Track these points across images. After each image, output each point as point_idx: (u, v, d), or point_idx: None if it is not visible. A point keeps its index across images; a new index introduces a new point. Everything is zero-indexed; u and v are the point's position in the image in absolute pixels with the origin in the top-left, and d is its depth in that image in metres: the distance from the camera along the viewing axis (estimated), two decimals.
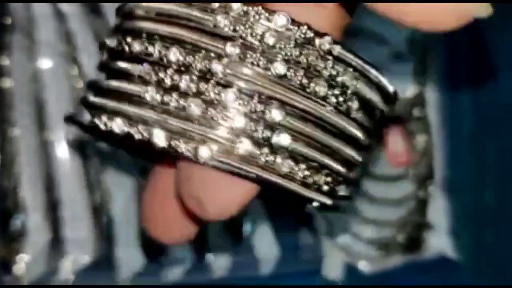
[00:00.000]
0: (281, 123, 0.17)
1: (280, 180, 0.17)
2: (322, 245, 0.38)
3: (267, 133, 0.17)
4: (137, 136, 0.17)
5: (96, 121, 0.18)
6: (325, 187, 0.18)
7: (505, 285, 0.38)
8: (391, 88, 0.19)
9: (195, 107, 0.17)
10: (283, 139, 0.17)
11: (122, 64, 0.18)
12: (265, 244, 0.38)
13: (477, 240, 0.40)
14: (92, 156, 0.36)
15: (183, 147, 0.17)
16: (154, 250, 0.36)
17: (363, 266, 0.39)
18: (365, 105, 0.18)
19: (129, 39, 0.18)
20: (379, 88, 0.19)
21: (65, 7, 0.37)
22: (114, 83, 0.18)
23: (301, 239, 0.39)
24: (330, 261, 0.38)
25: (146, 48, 0.18)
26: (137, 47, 0.18)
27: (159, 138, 0.17)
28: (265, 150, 0.17)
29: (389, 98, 0.19)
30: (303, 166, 0.18)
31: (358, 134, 0.19)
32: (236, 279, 0.37)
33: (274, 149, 0.17)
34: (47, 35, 0.36)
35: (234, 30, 0.17)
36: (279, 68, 0.17)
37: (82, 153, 0.36)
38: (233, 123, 0.17)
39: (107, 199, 0.36)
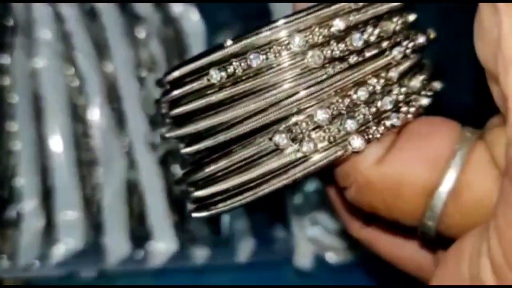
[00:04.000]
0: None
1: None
2: (293, 238, 0.40)
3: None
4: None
5: None
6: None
7: None
8: None
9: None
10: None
11: None
12: (242, 236, 0.40)
13: None
14: (85, 149, 0.38)
15: None
16: (140, 238, 0.38)
17: (330, 257, 0.41)
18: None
19: None
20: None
21: (63, 9, 0.38)
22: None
23: (275, 232, 0.41)
24: (301, 252, 0.40)
25: None
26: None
27: None
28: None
29: None
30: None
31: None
32: (215, 267, 0.39)
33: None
34: (46, 36, 0.38)
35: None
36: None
37: (77, 146, 0.38)
38: None
39: (98, 189, 0.38)
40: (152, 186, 0.38)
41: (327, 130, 0.19)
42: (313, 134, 0.19)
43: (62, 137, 0.37)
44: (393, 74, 0.20)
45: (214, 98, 0.19)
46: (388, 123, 0.20)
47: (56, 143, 0.37)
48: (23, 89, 0.37)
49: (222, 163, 0.20)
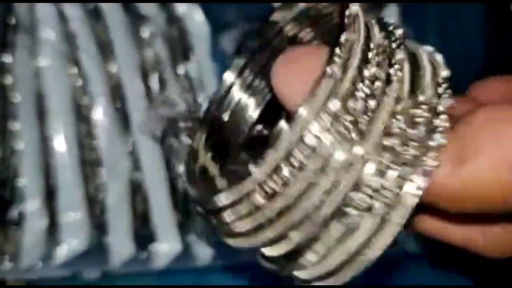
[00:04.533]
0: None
1: None
2: None
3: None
4: None
5: None
6: None
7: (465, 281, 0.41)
8: None
9: None
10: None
11: None
12: None
13: None
14: (89, 149, 0.38)
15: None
16: (144, 239, 0.38)
17: None
18: None
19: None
20: None
21: (67, 9, 0.38)
22: None
23: None
24: None
25: None
26: None
27: None
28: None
29: None
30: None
31: None
32: (217, 266, 0.39)
33: None
34: (49, 36, 0.37)
35: None
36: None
37: (80, 146, 0.37)
38: None
39: (101, 189, 0.38)
40: (156, 187, 0.38)
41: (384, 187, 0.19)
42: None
43: (66, 137, 0.37)
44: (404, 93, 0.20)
45: (268, 212, 0.18)
46: (434, 143, 0.19)
47: (60, 143, 0.37)
48: (27, 89, 0.37)
49: (318, 248, 0.19)
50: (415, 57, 0.20)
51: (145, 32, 0.39)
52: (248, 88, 0.24)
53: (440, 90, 0.20)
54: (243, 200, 0.18)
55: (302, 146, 0.17)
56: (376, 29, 0.19)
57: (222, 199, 0.19)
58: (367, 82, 0.18)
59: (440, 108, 0.19)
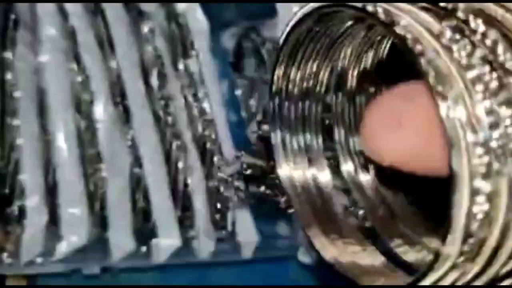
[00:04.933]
0: None
1: (463, 189, 0.15)
2: (297, 234, 0.41)
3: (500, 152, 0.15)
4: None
5: None
6: (466, 248, 0.16)
7: None
8: None
9: None
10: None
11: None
12: (246, 231, 0.39)
13: None
14: (89, 145, 0.38)
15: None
16: (144, 234, 0.38)
17: None
18: None
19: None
20: None
21: (67, 6, 0.38)
22: None
23: (279, 228, 0.41)
24: (305, 247, 0.39)
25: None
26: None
27: None
28: (485, 160, 0.15)
29: None
30: (484, 206, 0.16)
31: None
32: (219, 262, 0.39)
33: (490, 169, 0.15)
34: (50, 32, 0.37)
35: None
36: None
37: (81, 142, 0.37)
38: None
39: (101, 185, 0.37)
40: (156, 182, 0.38)
41: None
42: None
43: (66, 133, 0.37)
44: None
45: None
46: None
47: (60, 139, 0.37)
48: (27, 85, 0.37)
49: None
50: None
51: (145, 29, 0.39)
52: None
53: None
54: None
55: None
56: None
57: None
58: None
59: None
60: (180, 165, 0.39)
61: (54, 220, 0.37)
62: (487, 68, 0.16)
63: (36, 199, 0.36)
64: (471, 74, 0.15)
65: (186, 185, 0.39)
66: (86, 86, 0.38)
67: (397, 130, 0.16)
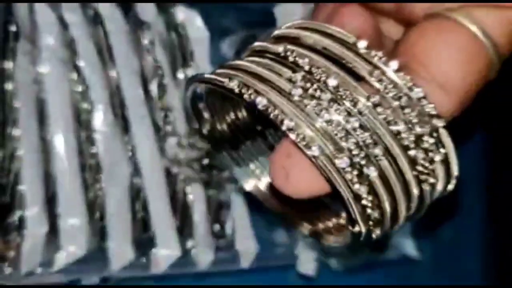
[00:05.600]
0: (377, 160, 0.20)
1: (351, 200, 0.20)
2: (296, 243, 0.41)
3: (364, 161, 0.20)
4: (246, 97, 0.21)
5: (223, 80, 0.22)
6: (371, 222, 0.21)
7: (463, 285, 0.41)
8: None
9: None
10: (372, 171, 0.20)
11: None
12: (245, 241, 0.40)
13: (435, 239, 0.43)
14: (89, 155, 0.38)
15: (296, 132, 0.20)
16: (143, 244, 0.38)
17: (334, 263, 0.41)
18: (433, 185, 0.21)
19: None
20: (449, 175, 0.22)
21: (67, 15, 0.37)
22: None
23: (278, 237, 0.41)
24: (304, 257, 0.40)
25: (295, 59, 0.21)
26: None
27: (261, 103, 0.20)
28: (355, 172, 0.20)
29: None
30: (370, 197, 0.20)
31: (420, 203, 0.22)
32: (218, 271, 0.39)
33: (361, 175, 0.20)
34: (49, 42, 0.37)
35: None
36: (401, 127, 0.20)
37: (80, 152, 0.37)
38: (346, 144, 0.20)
39: (101, 195, 0.37)
40: (155, 192, 0.38)
41: None
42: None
43: (66, 143, 0.37)
44: None
45: None
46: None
47: (60, 149, 0.37)
48: (27, 95, 0.37)
49: None
50: None
51: (145, 38, 0.39)
52: None
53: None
54: None
55: None
56: None
57: None
58: None
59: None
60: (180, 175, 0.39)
61: (53, 230, 0.36)
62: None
63: (35, 209, 0.36)
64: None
65: (185, 195, 0.39)
66: (85, 96, 0.38)
67: (287, 182, 0.21)
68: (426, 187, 0.21)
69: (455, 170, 0.22)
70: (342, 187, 0.20)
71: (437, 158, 0.21)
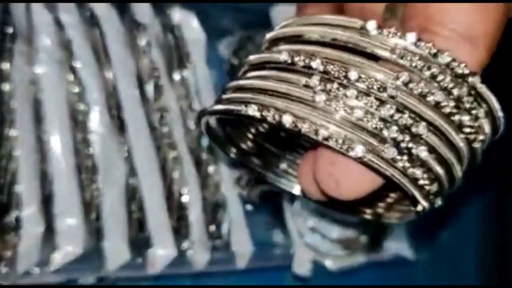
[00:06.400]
0: (424, 138, 0.19)
1: (408, 185, 0.20)
2: (292, 244, 0.41)
3: (411, 144, 0.19)
4: (270, 119, 0.20)
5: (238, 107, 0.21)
6: (431, 197, 0.21)
7: (460, 285, 0.41)
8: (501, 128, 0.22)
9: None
10: (421, 151, 0.20)
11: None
12: (241, 241, 0.39)
13: (432, 240, 0.43)
14: (85, 155, 0.38)
15: (333, 139, 0.19)
16: (139, 244, 0.38)
17: (329, 263, 0.41)
18: (483, 141, 0.21)
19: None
20: (495, 123, 0.21)
21: (63, 17, 0.38)
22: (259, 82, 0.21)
23: (274, 237, 0.41)
24: (299, 258, 0.40)
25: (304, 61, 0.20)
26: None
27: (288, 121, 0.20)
28: (405, 158, 0.19)
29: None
30: (425, 175, 0.20)
31: (473, 159, 0.22)
32: (214, 272, 0.39)
33: (412, 158, 0.19)
34: (46, 43, 0.37)
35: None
36: (438, 96, 0.19)
37: (77, 153, 0.37)
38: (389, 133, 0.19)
39: (97, 195, 0.37)
40: (151, 192, 0.38)
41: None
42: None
43: (62, 144, 0.37)
44: None
45: None
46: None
47: (56, 149, 0.37)
48: (24, 96, 0.37)
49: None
50: None
51: (141, 40, 0.39)
52: None
53: None
54: None
55: None
56: None
57: None
58: None
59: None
60: (176, 175, 0.39)
61: (50, 230, 0.37)
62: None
63: (32, 209, 0.36)
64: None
65: (181, 195, 0.39)
66: (82, 97, 0.38)
67: (340, 189, 0.21)
68: (476, 145, 0.21)
69: (500, 115, 0.21)
70: (397, 176, 0.19)
71: (481, 113, 0.20)
